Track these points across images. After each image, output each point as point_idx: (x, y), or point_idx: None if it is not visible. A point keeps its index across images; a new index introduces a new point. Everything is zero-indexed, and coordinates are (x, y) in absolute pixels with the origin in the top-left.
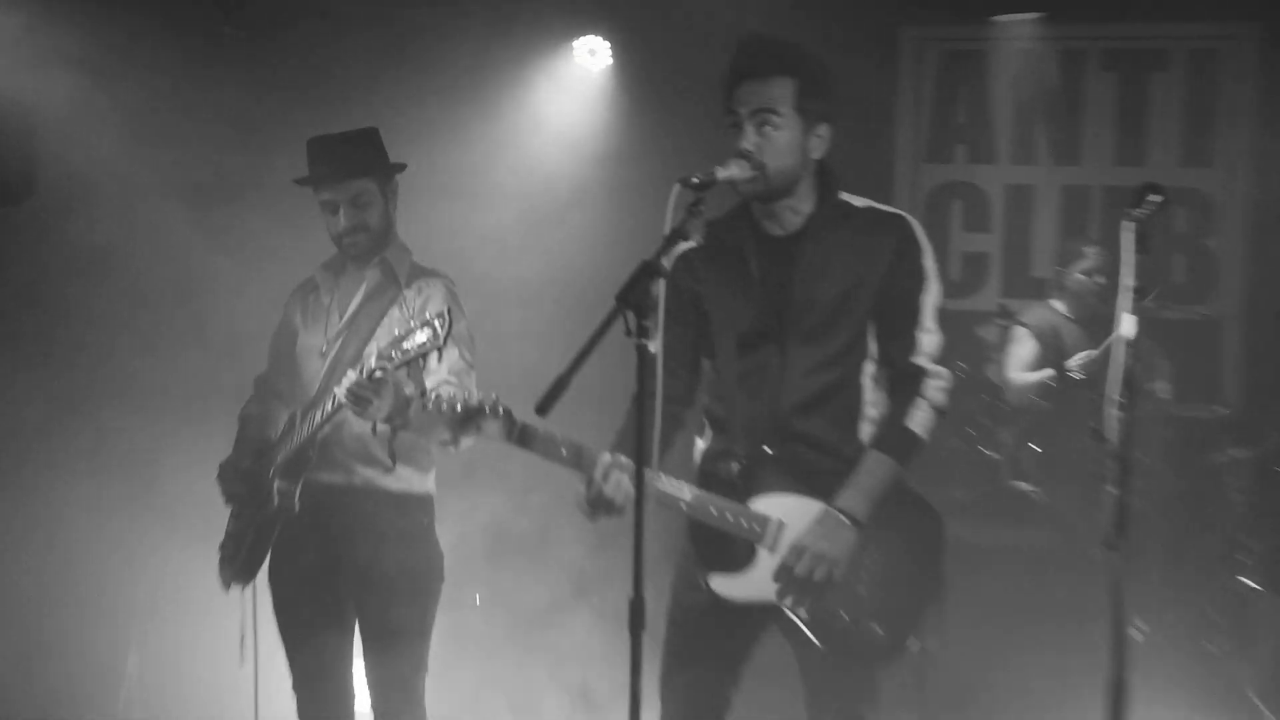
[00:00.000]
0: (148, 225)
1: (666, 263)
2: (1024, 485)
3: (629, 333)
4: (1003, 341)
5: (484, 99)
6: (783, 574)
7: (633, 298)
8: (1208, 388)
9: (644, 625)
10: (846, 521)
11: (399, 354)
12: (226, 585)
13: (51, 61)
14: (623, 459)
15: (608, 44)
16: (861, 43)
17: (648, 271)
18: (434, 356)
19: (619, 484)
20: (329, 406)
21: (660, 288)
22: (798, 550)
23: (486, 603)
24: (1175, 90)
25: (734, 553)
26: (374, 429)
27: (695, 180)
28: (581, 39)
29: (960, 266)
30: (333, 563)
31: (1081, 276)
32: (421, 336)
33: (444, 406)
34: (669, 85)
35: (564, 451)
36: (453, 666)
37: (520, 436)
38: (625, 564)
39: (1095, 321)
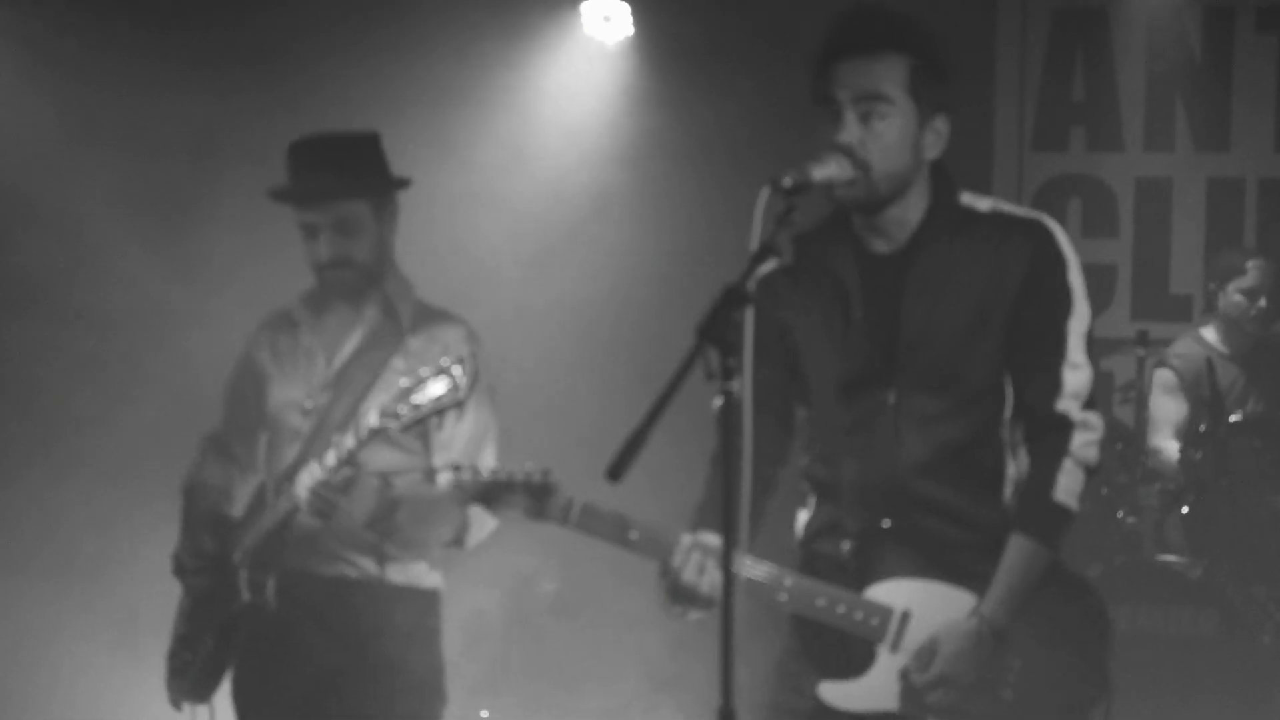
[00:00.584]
0: (88, 246)
1: (751, 289)
2: (1172, 558)
3: (710, 375)
4: (1140, 380)
5: (471, 84)
6: (908, 679)
7: (716, 331)
8: None
9: None
10: (988, 632)
11: (408, 410)
12: (177, 704)
13: None
14: (707, 539)
15: (626, 5)
16: (950, 3)
17: (733, 298)
18: (450, 418)
19: (703, 570)
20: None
21: (748, 318)
22: (928, 653)
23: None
24: None
25: (850, 653)
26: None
27: (788, 182)
28: (591, 1)
29: (1083, 286)
30: (315, 671)
31: (1240, 298)
32: (436, 388)
33: (482, 476)
34: (704, 58)
35: (634, 535)
36: None
37: (580, 518)
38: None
39: (1256, 354)
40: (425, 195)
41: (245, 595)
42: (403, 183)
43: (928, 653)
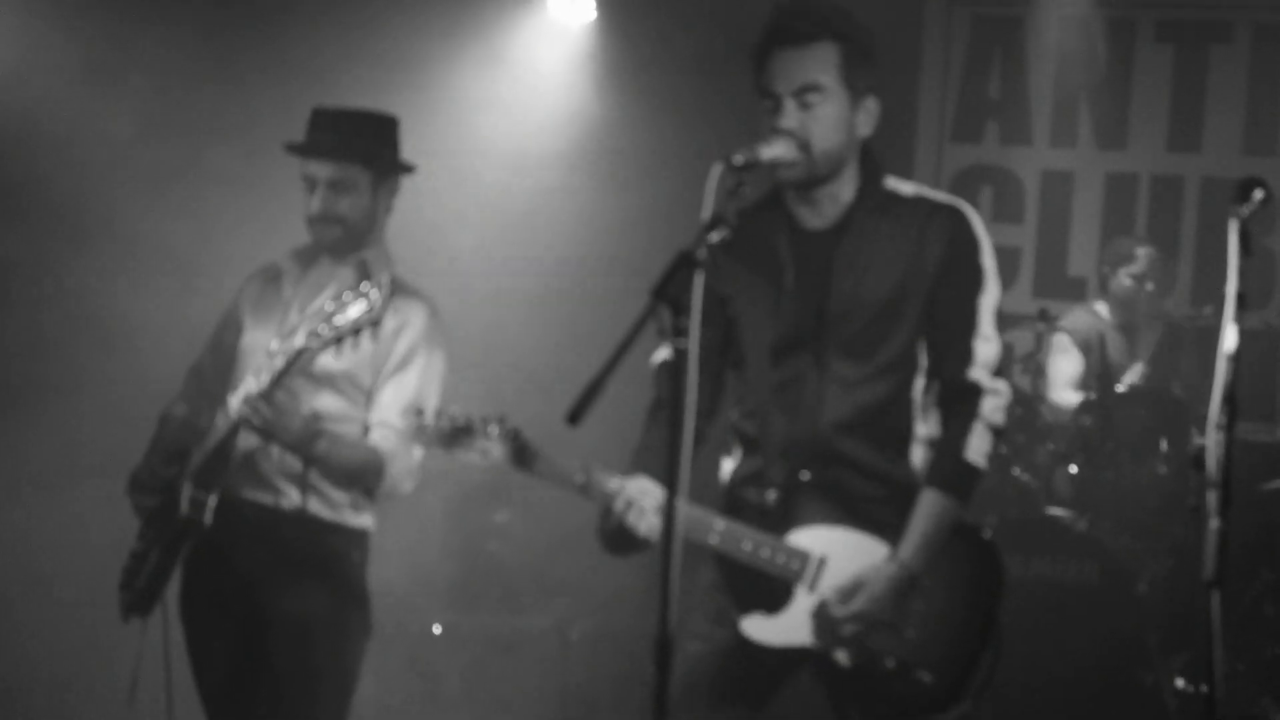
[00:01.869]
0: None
1: (702, 255)
2: (1060, 512)
3: (661, 332)
4: (1039, 349)
5: (442, 61)
6: (822, 616)
7: (669, 292)
8: (1268, 407)
9: (671, 666)
10: (900, 572)
11: (329, 330)
12: (125, 616)
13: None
14: (645, 484)
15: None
16: (880, 5)
17: (685, 263)
18: (394, 374)
19: (641, 514)
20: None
21: (698, 282)
22: (850, 591)
23: (454, 634)
24: (1238, 67)
25: (769, 592)
26: (279, 456)
27: (739, 160)
28: None
29: (994, 266)
30: (250, 585)
31: (1130, 282)
32: (355, 310)
33: (441, 423)
34: (663, 43)
35: (580, 479)
36: None
37: (532, 465)
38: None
39: (1142, 329)
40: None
41: (186, 509)
42: (407, 167)
43: (850, 591)
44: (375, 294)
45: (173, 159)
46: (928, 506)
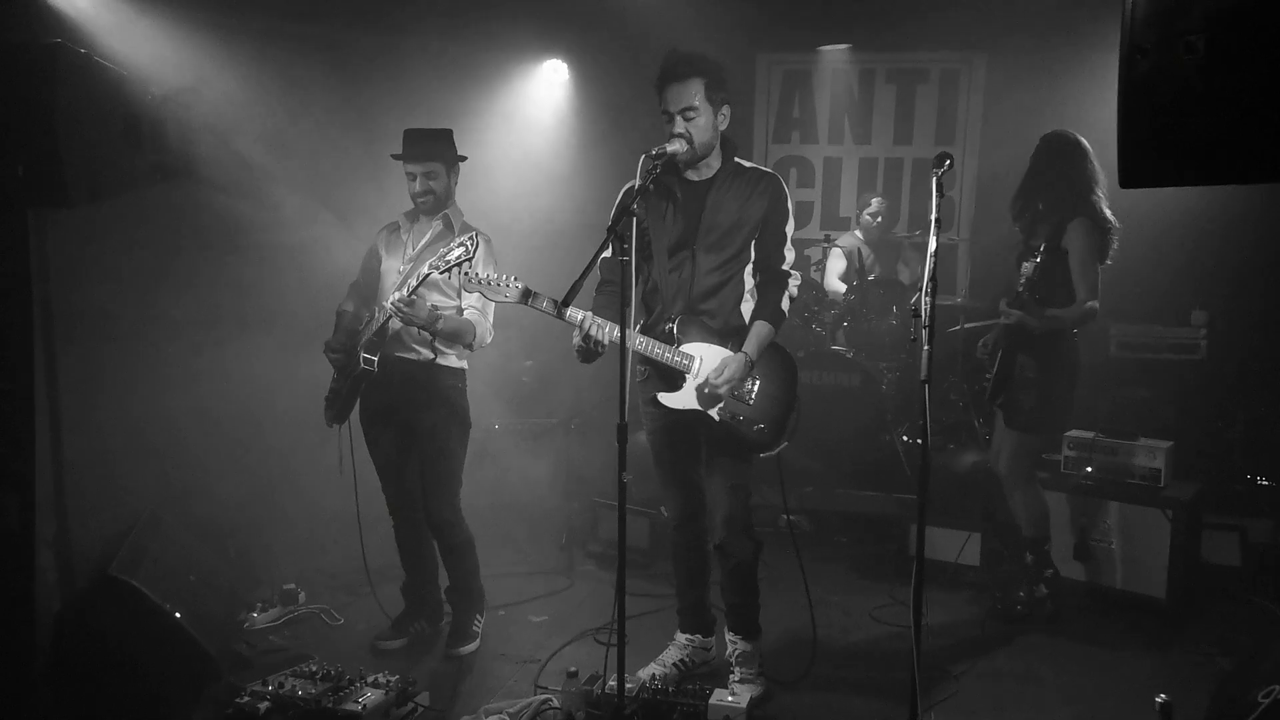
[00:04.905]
0: (279, 201)
1: (636, 205)
2: (839, 347)
3: (614, 251)
4: (824, 257)
5: (486, 105)
6: (701, 391)
7: (618, 229)
8: (950, 285)
9: (626, 439)
10: (744, 359)
11: (442, 263)
12: (330, 423)
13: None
14: (597, 318)
15: (565, 65)
16: (733, 62)
17: (624, 211)
18: (463, 275)
19: (601, 331)
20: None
21: (633, 225)
22: (719, 370)
23: (506, 428)
24: (932, 96)
25: (672, 379)
26: (418, 332)
27: (655, 152)
28: (547, 62)
29: (794, 210)
30: (401, 405)
31: (869, 217)
32: (457, 251)
33: (484, 278)
34: (612, 93)
35: (568, 314)
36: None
37: (528, 298)
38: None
39: (879, 245)
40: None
41: (361, 365)
42: (462, 157)
43: (719, 370)
44: (470, 244)
45: (314, 160)
46: (758, 328)
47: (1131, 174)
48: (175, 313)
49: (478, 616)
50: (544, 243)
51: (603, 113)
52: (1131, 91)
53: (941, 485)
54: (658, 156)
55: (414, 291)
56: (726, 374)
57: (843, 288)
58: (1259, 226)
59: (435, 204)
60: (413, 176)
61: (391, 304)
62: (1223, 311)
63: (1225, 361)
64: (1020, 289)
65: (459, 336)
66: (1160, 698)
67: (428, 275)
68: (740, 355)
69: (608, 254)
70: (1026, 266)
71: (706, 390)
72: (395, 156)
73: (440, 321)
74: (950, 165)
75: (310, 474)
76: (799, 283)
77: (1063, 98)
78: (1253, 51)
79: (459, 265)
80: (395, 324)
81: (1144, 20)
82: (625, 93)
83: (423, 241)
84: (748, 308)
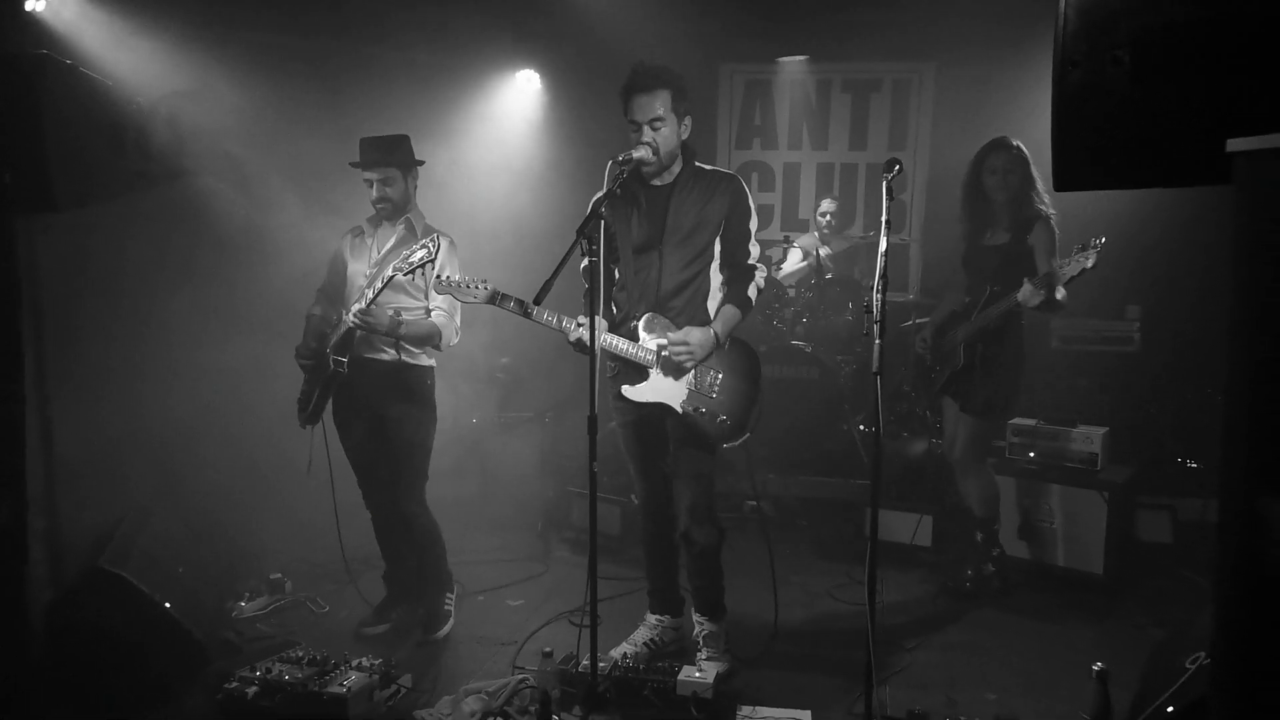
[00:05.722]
0: (265, 202)
1: (604, 210)
2: (799, 342)
3: (584, 251)
4: (783, 257)
5: (463, 113)
6: (668, 361)
7: (586, 231)
8: (902, 281)
9: (597, 430)
10: (711, 333)
11: (405, 265)
12: (303, 425)
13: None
14: (564, 316)
15: (538, 75)
16: (697, 72)
17: (594, 215)
18: (429, 276)
19: (567, 326)
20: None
21: (601, 226)
22: (683, 340)
23: (482, 421)
24: (885, 105)
25: (638, 373)
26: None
27: (622, 159)
28: (521, 72)
29: (756, 209)
30: (372, 401)
31: (823, 219)
32: (420, 253)
33: (451, 281)
34: (580, 102)
35: (541, 316)
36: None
37: (494, 299)
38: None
39: (833, 245)
40: (431, 168)
41: (332, 367)
42: (420, 161)
43: (681, 337)
44: (433, 245)
45: (297, 164)
46: (726, 310)
47: (1065, 178)
48: (165, 312)
49: (448, 595)
50: (515, 244)
51: (572, 120)
52: (1064, 101)
53: (895, 471)
54: (624, 162)
55: (372, 302)
56: (692, 340)
57: (800, 266)
58: (1187, 227)
59: (394, 209)
60: (370, 183)
61: (351, 317)
62: (1154, 306)
63: (1157, 353)
64: (1044, 273)
65: (425, 340)
66: (1097, 665)
67: (392, 277)
68: (708, 329)
69: (584, 263)
70: (994, 257)
71: (667, 352)
72: (353, 164)
73: (403, 327)
74: (900, 170)
75: (297, 467)
76: (764, 274)
77: (1008, 107)
78: (1174, 65)
79: (422, 267)
80: (360, 332)
81: (1074, 35)
82: (593, 102)
83: (388, 245)
84: (714, 304)
